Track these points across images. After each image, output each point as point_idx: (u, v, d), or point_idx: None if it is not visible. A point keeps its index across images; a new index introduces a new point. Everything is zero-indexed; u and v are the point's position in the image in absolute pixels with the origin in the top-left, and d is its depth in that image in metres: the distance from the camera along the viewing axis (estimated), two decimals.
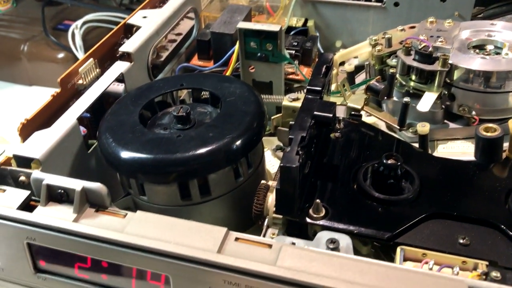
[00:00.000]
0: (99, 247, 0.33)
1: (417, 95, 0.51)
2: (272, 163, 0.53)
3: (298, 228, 0.39)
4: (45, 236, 0.34)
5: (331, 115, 0.39)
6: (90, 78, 0.48)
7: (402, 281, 0.29)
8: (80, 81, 0.47)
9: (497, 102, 0.49)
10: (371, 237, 0.37)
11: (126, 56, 0.50)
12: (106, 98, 0.49)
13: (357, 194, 0.40)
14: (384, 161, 0.39)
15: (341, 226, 0.37)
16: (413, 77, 0.51)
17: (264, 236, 0.39)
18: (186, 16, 0.62)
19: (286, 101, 0.49)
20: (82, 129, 0.45)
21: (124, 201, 0.43)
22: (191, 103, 0.48)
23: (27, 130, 0.41)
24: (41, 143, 0.39)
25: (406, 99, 0.48)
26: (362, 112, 0.51)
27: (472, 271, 0.34)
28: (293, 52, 0.58)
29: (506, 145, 0.43)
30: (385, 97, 0.51)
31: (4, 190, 0.36)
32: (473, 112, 0.50)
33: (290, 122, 0.43)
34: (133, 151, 0.39)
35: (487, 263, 0.34)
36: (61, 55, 1.10)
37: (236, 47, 0.55)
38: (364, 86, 0.51)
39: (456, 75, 0.50)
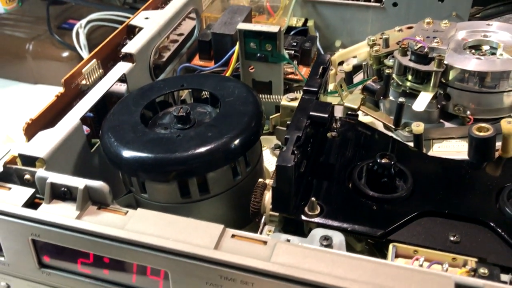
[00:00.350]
0: (101, 243, 0.34)
1: (413, 95, 0.52)
2: (270, 162, 0.54)
3: (294, 225, 0.40)
4: (49, 232, 0.35)
5: (326, 115, 0.40)
6: (93, 78, 0.49)
7: (391, 276, 0.30)
8: (84, 82, 0.48)
9: (492, 102, 0.50)
10: (364, 234, 0.38)
11: (128, 57, 0.51)
12: (109, 98, 0.50)
13: (352, 193, 0.41)
14: (378, 160, 0.40)
15: (335, 223, 0.38)
16: (409, 77, 0.52)
17: (261, 233, 0.40)
18: (187, 16, 0.64)
19: (284, 100, 0.50)
20: (85, 129, 0.47)
21: (126, 198, 0.44)
22: (191, 103, 0.49)
23: (32, 129, 0.42)
24: (45, 143, 0.41)
25: (401, 99, 0.49)
26: (359, 112, 0.52)
27: (461, 267, 0.35)
28: (292, 52, 0.59)
29: (499, 144, 0.44)
30: (381, 97, 0.52)
31: (10, 188, 0.38)
32: (468, 112, 0.51)
33: (288, 122, 0.44)
34: (134, 151, 0.40)
35: (476, 259, 0.35)
36: (65, 54, 1.11)
37: (236, 47, 0.56)
38: (361, 86, 0.52)
39: (452, 75, 0.50)
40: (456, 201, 0.40)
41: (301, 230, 0.40)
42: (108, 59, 0.52)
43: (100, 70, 0.50)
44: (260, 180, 0.42)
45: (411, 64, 0.51)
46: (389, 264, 0.32)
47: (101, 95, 0.46)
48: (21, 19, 1.24)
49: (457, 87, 0.51)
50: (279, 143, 0.55)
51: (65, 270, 0.37)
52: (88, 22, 1.12)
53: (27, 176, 0.38)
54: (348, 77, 0.59)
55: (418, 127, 0.46)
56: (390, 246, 0.36)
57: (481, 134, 0.43)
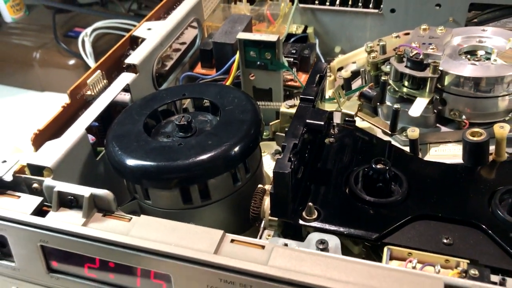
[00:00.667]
0: (106, 248, 0.36)
1: (410, 100, 0.53)
2: (271, 167, 0.55)
3: (293, 229, 0.42)
4: (57, 239, 0.37)
5: (322, 122, 0.42)
6: (98, 89, 0.51)
7: (384, 278, 0.31)
8: (89, 92, 0.50)
9: (487, 107, 0.51)
10: (360, 238, 0.39)
11: (131, 68, 0.52)
12: (113, 107, 0.51)
13: (348, 197, 0.42)
14: (373, 165, 0.41)
15: (332, 227, 0.39)
16: (406, 83, 0.53)
17: (260, 237, 0.41)
18: (189, 25, 0.65)
19: (283, 107, 0.52)
20: (91, 137, 0.48)
21: (130, 205, 0.46)
22: (193, 111, 0.51)
23: (39, 140, 0.44)
24: (52, 152, 0.42)
25: (397, 105, 0.50)
26: (358, 118, 0.53)
27: (454, 269, 0.36)
28: (292, 59, 0.61)
29: (492, 148, 0.45)
30: (378, 103, 0.53)
31: (19, 197, 0.39)
32: (463, 116, 0.52)
33: (287, 128, 0.45)
34: (138, 159, 0.41)
35: (468, 261, 0.36)
36: (71, 62, 1.13)
37: (237, 56, 0.58)
38: (358, 93, 0.53)
39: (447, 80, 0.52)
40: (449, 204, 0.41)
41: (300, 234, 0.42)
42: (112, 70, 0.54)
43: (105, 81, 0.52)
44: (259, 186, 0.43)
45: (407, 71, 0.52)
46: (381, 266, 0.33)
47: (106, 105, 0.48)
48: (28, 28, 1.26)
49: (453, 92, 0.52)
50: (279, 148, 0.56)
51: (72, 274, 0.39)
52: (94, 30, 1.14)
53: (35, 185, 0.40)
54: (347, 83, 0.60)
55: (413, 132, 0.48)
56: (385, 249, 0.38)
57: (475, 138, 0.44)
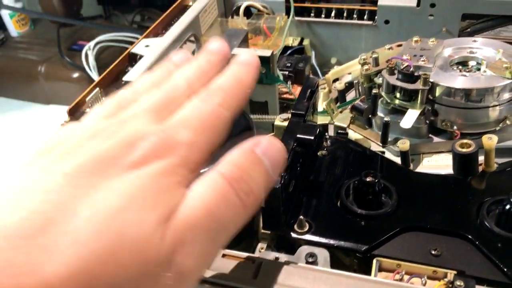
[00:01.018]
0: None
1: (403, 112, 0.54)
2: None
3: (286, 242, 0.43)
4: None
5: (312, 137, 0.43)
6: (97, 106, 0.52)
7: None
8: (88, 110, 0.51)
9: (478, 117, 0.52)
10: (349, 250, 0.40)
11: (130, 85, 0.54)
12: None
13: (339, 210, 0.43)
14: (363, 178, 0.42)
15: (322, 240, 0.40)
16: (398, 95, 0.54)
17: (254, 250, 0.43)
18: (187, 40, 0.67)
19: (277, 121, 0.53)
20: None
21: None
22: None
23: None
24: None
25: (387, 118, 0.51)
26: (350, 130, 0.54)
27: (440, 280, 0.37)
28: (287, 73, 0.62)
29: (482, 158, 0.46)
30: (370, 115, 0.54)
31: None
32: (455, 127, 0.53)
33: None
34: None
35: (455, 272, 0.37)
36: (76, 75, 1.16)
37: None
38: (350, 105, 0.54)
39: (438, 92, 0.52)
40: (438, 216, 0.42)
41: (293, 246, 0.43)
42: (111, 87, 0.55)
43: (103, 98, 0.53)
44: None
45: (398, 83, 0.53)
46: (368, 279, 0.34)
47: None
48: (33, 42, 1.29)
49: (444, 103, 0.53)
50: None
51: None
52: (97, 43, 1.17)
53: None
54: (341, 95, 0.61)
55: (403, 144, 0.49)
56: (374, 260, 0.39)
57: (464, 150, 0.45)
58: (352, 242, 0.40)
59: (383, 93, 0.55)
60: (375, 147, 0.54)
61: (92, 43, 1.16)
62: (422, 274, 0.37)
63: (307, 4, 0.75)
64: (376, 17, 0.70)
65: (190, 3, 0.71)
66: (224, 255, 0.36)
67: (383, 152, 0.54)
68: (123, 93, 0.30)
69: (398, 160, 0.51)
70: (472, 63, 0.56)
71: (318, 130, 0.44)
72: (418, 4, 0.67)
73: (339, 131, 0.52)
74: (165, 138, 0.26)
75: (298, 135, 0.43)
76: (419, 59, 0.54)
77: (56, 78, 1.18)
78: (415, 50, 0.56)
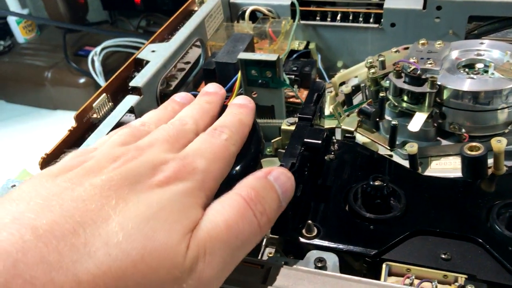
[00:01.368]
0: None
1: (410, 115, 0.54)
2: None
3: (294, 247, 0.43)
4: None
5: (319, 141, 0.42)
6: (104, 111, 0.52)
7: None
8: (95, 115, 0.51)
9: (486, 119, 0.52)
10: (359, 254, 0.40)
11: (136, 90, 0.54)
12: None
13: (348, 214, 0.43)
14: (371, 182, 0.42)
15: (331, 244, 0.40)
16: (405, 98, 0.54)
17: (262, 255, 0.42)
18: (193, 45, 0.67)
19: (284, 125, 0.52)
20: None
21: None
22: None
23: (47, 163, 0.45)
24: None
25: (394, 122, 0.51)
26: (358, 134, 0.54)
27: (451, 284, 0.36)
28: (293, 76, 0.62)
29: (491, 161, 0.46)
30: (377, 119, 0.54)
31: None
32: (463, 130, 0.52)
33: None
34: None
35: (466, 276, 0.36)
36: (82, 80, 1.16)
37: (239, 75, 0.59)
38: (357, 109, 0.54)
39: (446, 95, 0.52)
40: (447, 219, 0.41)
41: (301, 251, 0.42)
42: (118, 92, 0.55)
43: (110, 103, 0.53)
44: None
45: (405, 86, 0.52)
46: (377, 283, 0.34)
47: (111, 127, 0.49)
48: (39, 48, 1.30)
49: (452, 106, 0.52)
50: None
51: None
52: (103, 49, 1.17)
53: None
54: (348, 99, 0.61)
55: (412, 148, 0.48)
56: (384, 265, 0.38)
57: (472, 153, 0.45)
58: (361, 247, 0.40)
59: (390, 96, 0.55)
60: (383, 150, 0.54)
61: (98, 49, 1.17)
62: (433, 278, 0.37)
63: (312, 8, 0.75)
64: (382, 20, 0.70)
65: (196, 8, 0.72)
66: None
67: (391, 156, 0.54)
68: (136, 123, 0.34)
69: (406, 163, 0.50)
70: (479, 65, 0.56)
71: (325, 134, 0.44)
72: (424, 7, 0.67)
73: (347, 134, 0.52)
74: (185, 164, 0.29)
75: (305, 139, 0.43)
76: (426, 61, 0.54)
77: (63, 83, 1.19)
78: (422, 53, 0.56)
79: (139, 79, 0.54)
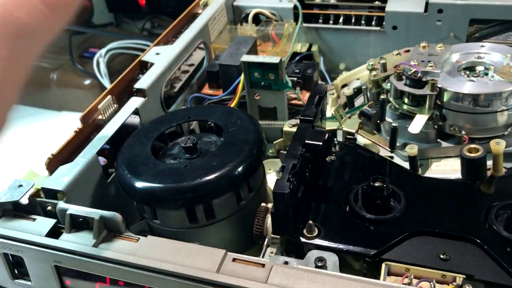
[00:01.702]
0: (115, 268, 0.38)
1: (411, 117, 0.54)
2: None
3: (296, 246, 0.43)
4: (69, 259, 0.39)
5: (320, 143, 0.43)
6: (109, 113, 0.53)
7: None
8: (100, 117, 0.52)
9: (486, 122, 0.52)
10: (359, 254, 0.40)
11: (140, 92, 0.55)
12: (124, 130, 0.54)
13: (348, 214, 0.44)
14: (371, 183, 0.43)
15: (332, 244, 0.41)
16: (406, 100, 0.54)
17: (263, 254, 0.43)
18: (197, 47, 0.68)
19: (286, 127, 0.53)
20: (102, 160, 0.51)
21: (139, 224, 0.48)
22: (198, 133, 0.53)
23: (53, 164, 0.46)
24: (65, 176, 0.45)
25: (395, 124, 0.51)
26: (359, 136, 0.55)
27: (449, 284, 0.37)
28: (295, 79, 0.63)
29: (490, 163, 0.46)
30: (378, 121, 0.54)
31: (35, 219, 0.42)
32: (463, 132, 0.53)
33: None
34: (146, 182, 0.43)
35: (464, 276, 0.37)
36: (87, 82, 1.17)
37: (242, 77, 0.60)
38: (358, 111, 0.55)
39: (446, 97, 0.53)
40: (446, 220, 0.42)
41: (302, 251, 0.43)
42: (123, 94, 0.56)
43: (115, 105, 0.54)
44: (262, 204, 0.45)
45: (406, 89, 0.53)
46: (376, 283, 0.34)
47: (116, 129, 0.50)
48: (45, 49, 1.31)
49: (452, 109, 0.53)
50: None
51: None
52: (108, 50, 1.18)
53: (49, 208, 0.42)
54: (349, 101, 0.62)
55: (412, 149, 0.49)
56: (383, 265, 0.39)
57: (472, 155, 0.45)
58: (361, 247, 0.40)
59: (391, 99, 0.55)
60: (384, 152, 0.55)
61: (103, 51, 1.18)
62: (431, 278, 0.37)
63: (315, 11, 0.75)
64: (384, 23, 0.71)
65: (200, 11, 0.72)
66: (234, 259, 0.36)
67: (392, 157, 0.54)
68: None
69: (406, 165, 0.51)
70: (480, 68, 0.56)
71: (326, 135, 0.45)
72: (426, 10, 0.68)
73: (348, 136, 0.53)
74: None
75: (306, 141, 0.43)
76: (426, 64, 0.54)
77: (68, 85, 1.20)
78: (423, 55, 0.56)
79: (143, 81, 0.55)
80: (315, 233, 0.42)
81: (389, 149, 0.53)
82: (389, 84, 0.57)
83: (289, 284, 0.34)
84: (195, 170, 0.44)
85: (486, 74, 0.55)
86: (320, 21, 0.74)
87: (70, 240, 0.39)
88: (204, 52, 0.70)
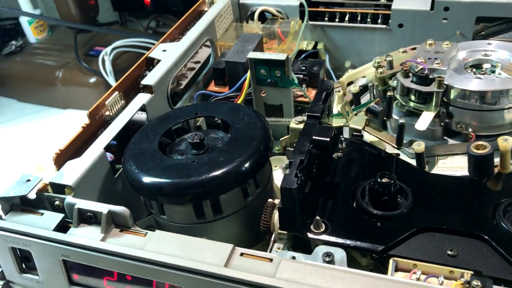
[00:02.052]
0: (123, 262, 0.38)
1: (417, 114, 0.54)
2: None
3: (302, 242, 0.43)
4: (77, 253, 0.39)
5: (328, 139, 0.43)
6: (116, 109, 0.53)
7: None
8: (107, 113, 0.53)
9: (493, 119, 0.52)
10: (366, 250, 0.40)
11: (147, 88, 0.55)
12: (131, 126, 0.54)
13: (355, 211, 0.44)
14: (379, 179, 0.43)
15: (339, 240, 0.41)
16: (412, 98, 0.54)
17: (270, 250, 0.43)
18: (203, 44, 0.68)
19: (292, 123, 0.53)
20: (110, 155, 0.51)
21: (146, 220, 0.48)
22: (205, 129, 0.53)
23: (61, 159, 0.46)
24: (73, 171, 0.45)
25: (402, 120, 0.51)
26: (365, 132, 0.55)
27: (457, 280, 0.37)
28: (301, 76, 0.63)
29: (497, 160, 0.46)
30: (385, 118, 0.54)
31: (42, 214, 0.42)
32: (470, 129, 0.53)
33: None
34: (153, 177, 0.44)
35: (472, 272, 0.37)
36: (92, 80, 1.17)
37: (248, 74, 0.60)
38: (365, 108, 0.55)
39: (453, 94, 0.53)
40: (454, 216, 0.42)
41: (309, 246, 0.43)
42: (129, 90, 0.56)
43: (122, 101, 0.54)
44: (269, 200, 0.45)
45: (413, 86, 0.53)
46: (385, 278, 0.34)
47: (123, 125, 0.50)
48: (51, 48, 1.31)
49: (459, 106, 0.53)
50: None
51: (92, 287, 0.41)
52: (113, 49, 1.19)
53: (57, 203, 0.42)
54: (355, 98, 0.62)
55: (419, 146, 0.49)
56: (390, 260, 0.39)
57: (479, 151, 0.45)
58: (369, 243, 0.40)
59: (397, 96, 0.55)
60: (390, 149, 0.55)
61: (108, 49, 1.18)
62: (439, 274, 0.37)
63: (321, 9, 0.75)
64: (390, 21, 0.70)
65: (206, 9, 0.72)
66: (242, 254, 0.36)
67: (398, 154, 0.54)
68: None
69: (412, 162, 0.51)
70: (486, 65, 0.56)
71: (333, 132, 0.45)
72: (432, 8, 0.68)
73: (354, 133, 0.53)
74: None
75: (314, 137, 0.43)
76: (433, 61, 0.54)
77: (73, 83, 1.20)
78: (429, 53, 0.56)
79: (150, 78, 0.55)
80: (322, 229, 0.42)
81: (396, 146, 0.53)
82: (395, 81, 0.57)
83: (297, 278, 0.34)
84: (202, 166, 0.44)
85: (493, 72, 0.55)
86: (326, 19, 0.74)
87: (78, 234, 0.39)
88: (210, 49, 0.70)
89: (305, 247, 0.43)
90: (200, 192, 0.43)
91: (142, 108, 0.54)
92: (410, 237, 0.41)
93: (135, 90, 0.57)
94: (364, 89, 0.65)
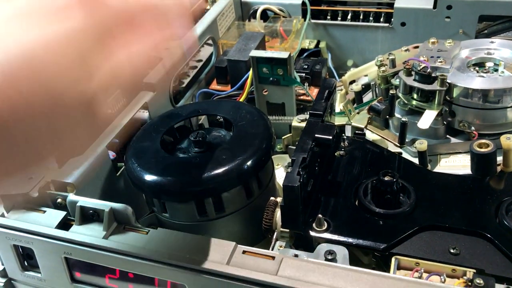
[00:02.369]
0: (125, 260, 0.38)
1: (420, 113, 0.54)
2: None
3: (304, 240, 0.43)
4: (79, 251, 0.39)
5: (330, 137, 0.43)
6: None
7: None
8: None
9: (495, 118, 0.52)
10: (368, 248, 0.40)
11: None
12: (133, 124, 0.54)
13: (357, 209, 0.44)
14: (381, 178, 0.43)
15: (341, 238, 0.41)
16: (415, 96, 0.54)
17: (272, 248, 0.43)
18: (205, 43, 0.68)
19: (295, 122, 0.53)
20: (112, 153, 0.51)
21: (148, 218, 0.48)
22: (207, 127, 0.53)
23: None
24: (75, 169, 0.45)
25: (404, 118, 0.51)
26: (368, 131, 0.55)
27: (460, 278, 0.37)
28: (303, 74, 0.63)
29: (500, 158, 0.46)
30: (387, 116, 0.54)
31: (45, 211, 0.42)
32: (473, 128, 0.53)
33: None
34: (155, 175, 0.43)
35: (474, 270, 0.37)
36: None
37: (250, 72, 0.60)
38: (367, 106, 0.55)
39: (455, 93, 0.53)
40: (457, 214, 0.42)
41: (311, 245, 0.43)
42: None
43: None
44: (271, 198, 0.45)
45: (416, 84, 0.53)
46: (387, 276, 0.34)
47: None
48: None
49: (461, 104, 0.53)
50: None
51: (94, 285, 0.41)
52: None
53: (59, 200, 0.42)
54: (358, 97, 0.62)
55: (421, 144, 0.49)
56: (393, 259, 0.39)
57: (482, 150, 0.45)
58: (371, 241, 0.40)
59: (400, 94, 0.55)
60: (393, 147, 0.54)
61: None
62: (441, 272, 0.37)
63: (323, 7, 0.75)
64: (392, 19, 0.70)
65: (208, 7, 0.72)
66: (244, 252, 0.36)
67: (401, 153, 0.54)
68: None
69: (415, 161, 0.51)
70: (489, 64, 0.56)
71: (335, 130, 0.45)
72: (435, 6, 0.68)
73: (357, 131, 0.53)
74: None
75: (316, 135, 0.43)
76: (436, 60, 0.54)
77: None
78: (432, 51, 0.56)
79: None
80: (325, 227, 0.42)
81: (398, 145, 0.53)
82: (398, 79, 0.57)
83: (300, 276, 0.34)
84: (204, 164, 0.44)
85: (496, 70, 0.55)
86: (328, 17, 0.74)
87: (80, 232, 0.39)
88: (212, 48, 0.70)
89: (307, 245, 0.43)
90: (202, 190, 0.43)
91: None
92: (412, 236, 0.40)
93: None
94: (367, 87, 0.65)
